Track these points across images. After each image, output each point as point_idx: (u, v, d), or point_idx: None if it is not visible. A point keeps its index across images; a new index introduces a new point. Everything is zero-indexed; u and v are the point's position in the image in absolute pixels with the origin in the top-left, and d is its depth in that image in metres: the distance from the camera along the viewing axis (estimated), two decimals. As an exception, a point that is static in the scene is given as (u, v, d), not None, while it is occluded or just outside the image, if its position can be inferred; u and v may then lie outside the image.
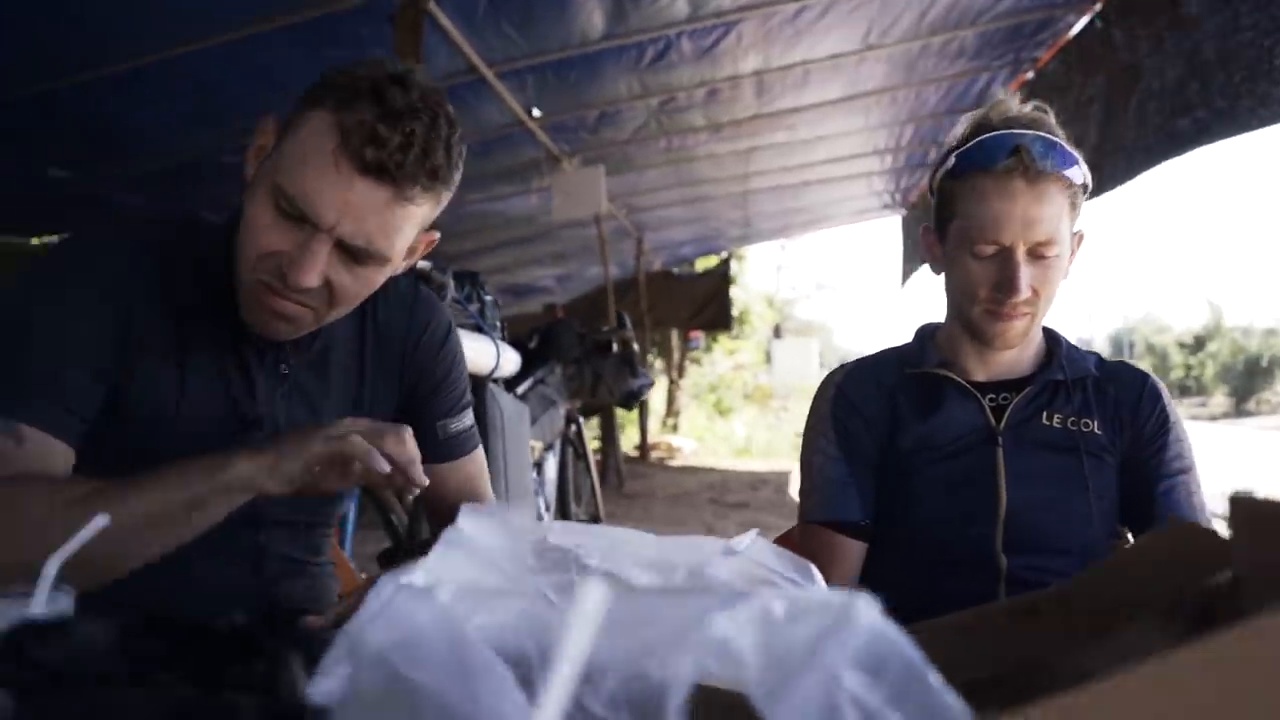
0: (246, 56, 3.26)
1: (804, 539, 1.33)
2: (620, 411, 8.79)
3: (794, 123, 5.94)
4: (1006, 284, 1.19)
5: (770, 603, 0.47)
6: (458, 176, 1.01)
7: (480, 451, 1.31)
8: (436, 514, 1.31)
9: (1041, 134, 1.19)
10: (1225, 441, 14.71)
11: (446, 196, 1.02)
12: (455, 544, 0.71)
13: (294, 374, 1.11)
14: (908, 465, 1.30)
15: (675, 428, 12.54)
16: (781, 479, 9.02)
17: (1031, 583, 1.21)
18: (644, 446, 10.30)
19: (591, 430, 8.41)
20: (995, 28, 4.68)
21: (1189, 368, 31.06)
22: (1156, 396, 1.30)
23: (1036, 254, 1.20)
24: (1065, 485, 1.25)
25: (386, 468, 0.92)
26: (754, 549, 0.80)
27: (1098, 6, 4.40)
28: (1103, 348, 38.90)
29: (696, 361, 15.57)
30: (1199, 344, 31.30)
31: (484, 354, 2.26)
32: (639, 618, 0.54)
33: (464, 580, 0.67)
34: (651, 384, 5.64)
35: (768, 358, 18.82)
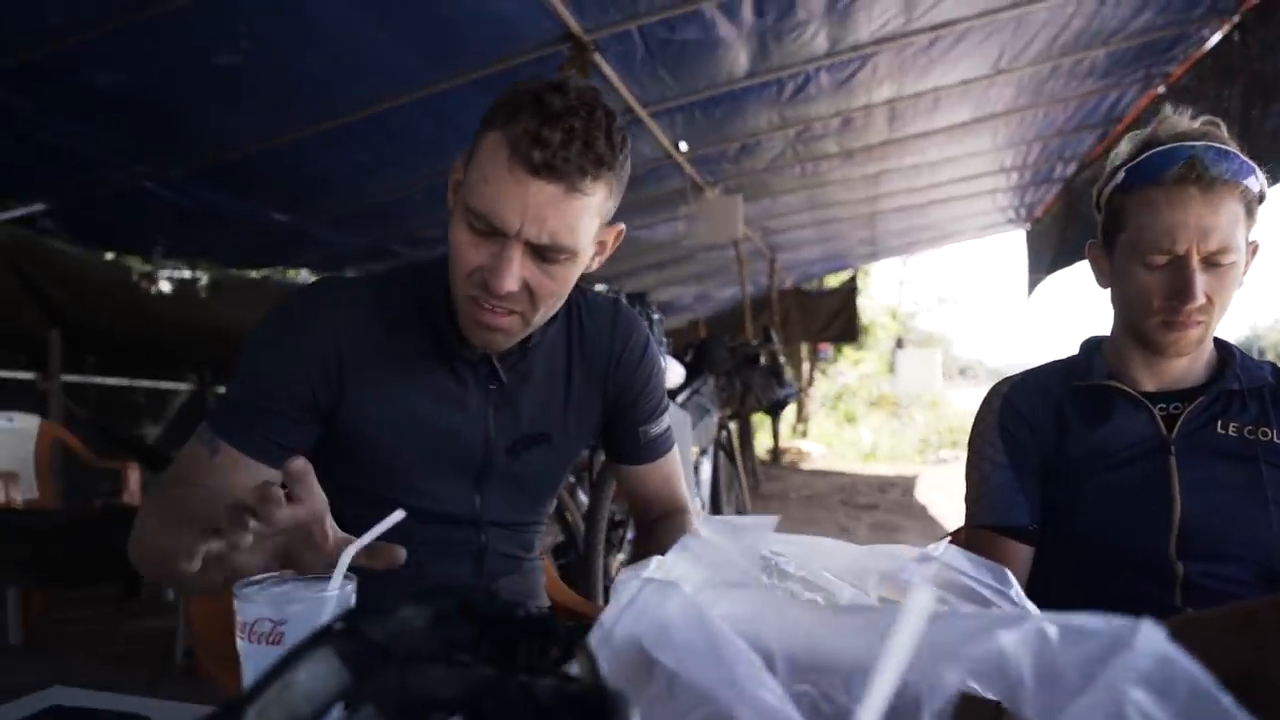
0: (437, 108, 3.43)
1: (970, 543, 1.26)
2: (755, 418, 8.71)
3: (923, 146, 5.77)
4: (1182, 291, 1.11)
5: (1043, 624, 0.45)
6: (625, 162, 1.00)
7: (675, 452, 1.32)
8: (640, 508, 1.33)
9: (1214, 144, 1.11)
10: None
11: (618, 184, 1.01)
12: (688, 547, 0.72)
13: (503, 389, 1.13)
14: (1078, 473, 1.22)
15: (805, 434, 12.33)
16: (907, 483, 8.72)
17: (1210, 590, 1.12)
18: (776, 451, 10.17)
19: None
20: (1127, 46, 4.41)
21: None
22: None
23: (1211, 261, 1.11)
24: (1243, 493, 1.15)
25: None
26: (949, 555, 0.78)
27: (1236, 19, 4.08)
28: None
29: (824, 372, 15.28)
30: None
31: (652, 367, 2.28)
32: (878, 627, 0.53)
33: (700, 575, 0.68)
34: (797, 393, 5.57)
35: (891, 367, 18.27)
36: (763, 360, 4.12)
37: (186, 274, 5.26)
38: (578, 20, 3.14)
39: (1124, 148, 1.21)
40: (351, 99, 3.37)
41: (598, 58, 3.33)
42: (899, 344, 20.13)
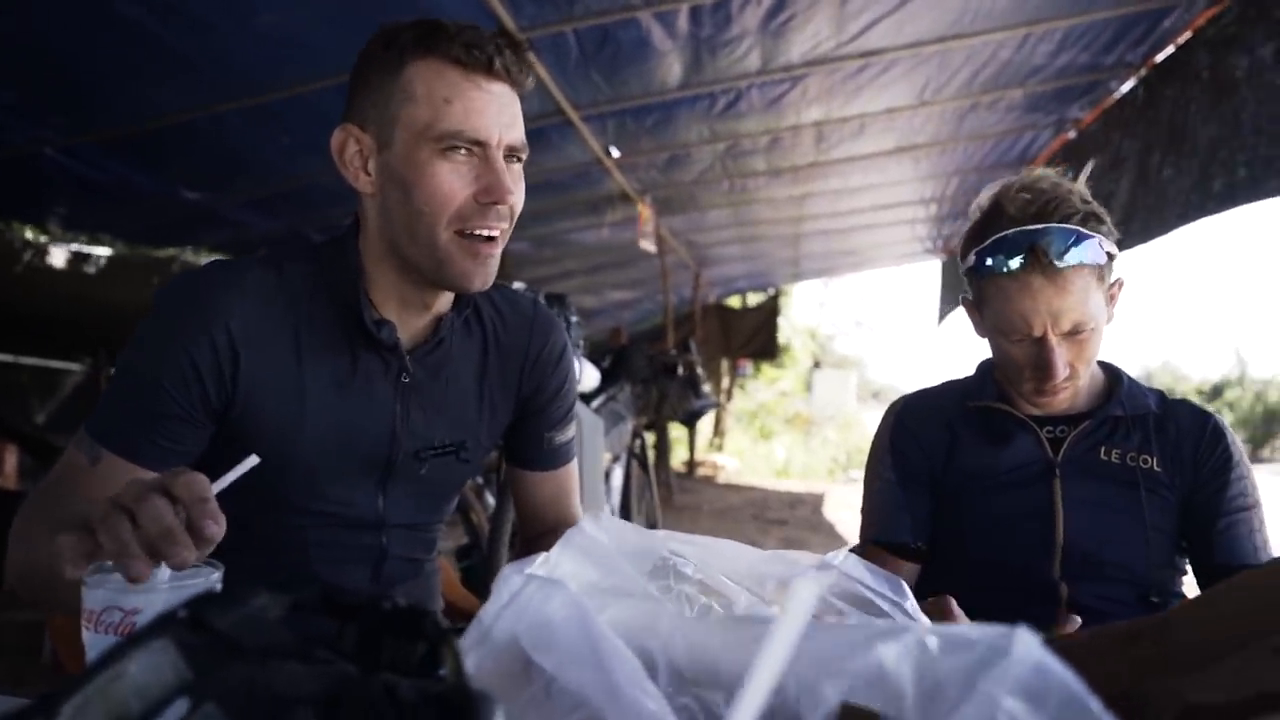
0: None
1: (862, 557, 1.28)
2: (673, 429, 8.74)
3: (848, 171, 5.89)
4: (1044, 369, 1.15)
5: (924, 635, 0.45)
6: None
7: (574, 463, 1.29)
8: (529, 517, 1.29)
9: (1054, 226, 1.11)
10: None
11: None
12: (573, 544, 0.69)
13: (415, 382, 1.07)
14: (966, 493, 1.25)
15: (720, 448, 12.44)
16: (817, 499, 8.87)
17: (1095, 610, 1.15)
18: (692, 463, 10.23)
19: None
20: (1043, 89, 4.59)
21: (1206, 415, 29.87)
22: (1219, 435, 1.23)
23: (1069, 334, 1.15)
24: (1124, 517, 1.19)
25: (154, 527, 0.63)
26: (848, 564, 0.77)
27: (1143, 72, 4.30)
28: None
29: (742, 387, 15.46)
30: (1217, 392, 30.37)
31: (567, 370, 2.25)
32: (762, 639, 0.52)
33: (587, 577, 0.65)
34: (713, 405, 5.60)
35: (807, 387, 18.63)
36: (680, 371, 4.14)
37: (85, 249, 4.99)
38: (513, 18, 3.09)
39: (982, 200, 1.24)
40: (275, 78, 3.24)
41: (531, 56, 3.28)
42: (816, 364, 20.56)
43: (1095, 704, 0.39)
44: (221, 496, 0.70)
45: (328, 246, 1.05)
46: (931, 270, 9.69)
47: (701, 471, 10.33)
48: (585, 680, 0.48)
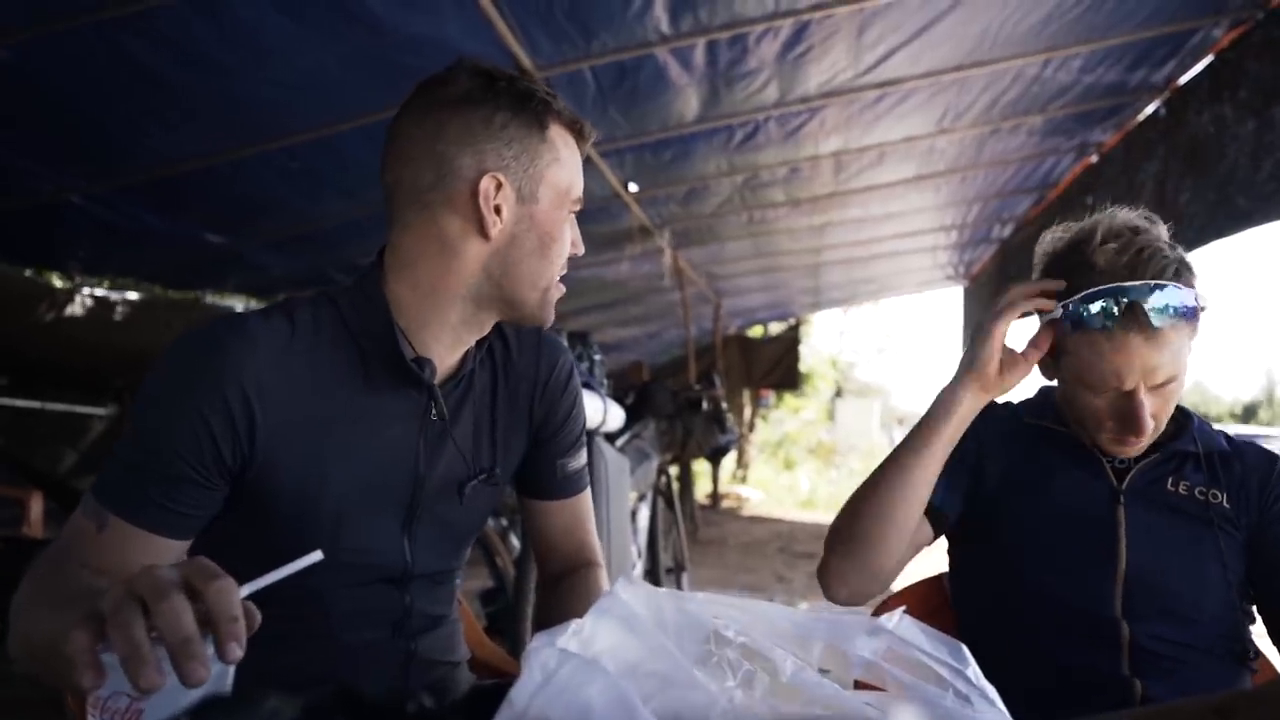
0: (381, 135, 3.34)
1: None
2: (695, 462, 8.66)
3: (867, 200, 5.87)
4: (1129, 422, 1.10)
5: None
6: None
7: (588, 492, 1.26)
8: (546, 550, 1.25)
9: (1152, 283, 1.05)
10: None
11: None
12: (609, 612, 0.65)
13: (442, 421, 1.04)
14: (1016, 513, 1.20)
15: (744, 479, 12.33)
16: (846, 531, 8.72)
17: (1160, 655, 1.09)
18: (716, 496, 10.13)
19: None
20: (1064, 114, 4.56)
21: (1239, 437, 29.57)
22: None
23: (1158, 387, 1.10)
24: (1193, 552, 1.13)
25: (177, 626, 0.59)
26: (902, 627, 0.72)
27: (1167, 94, 4.25)
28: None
29: (764, 418, 15.36)
30: (1249, 413, 29.88)
31: (593, 409, 2.21)
32: None
33: (626, 654, 0.61)
34: (737, 439, 5.54)
35: (830, 416, 18.50)
36: (705, 405, 4.09)
37: (109, 293, 5.03)
38: (531, 57, 3.10)
39: (1057, 240, 1.18)
40: (295, 121, 3.27)
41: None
42: (838, 393, 20.43)
43: None
44: (239, 566, 0.66)
45: (348, 290, 1.03)
46: (954, 296, 9.60)
47: (726, 504, 10.23)
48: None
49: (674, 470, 7.47)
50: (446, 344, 1.03)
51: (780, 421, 16.49)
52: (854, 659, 0.71)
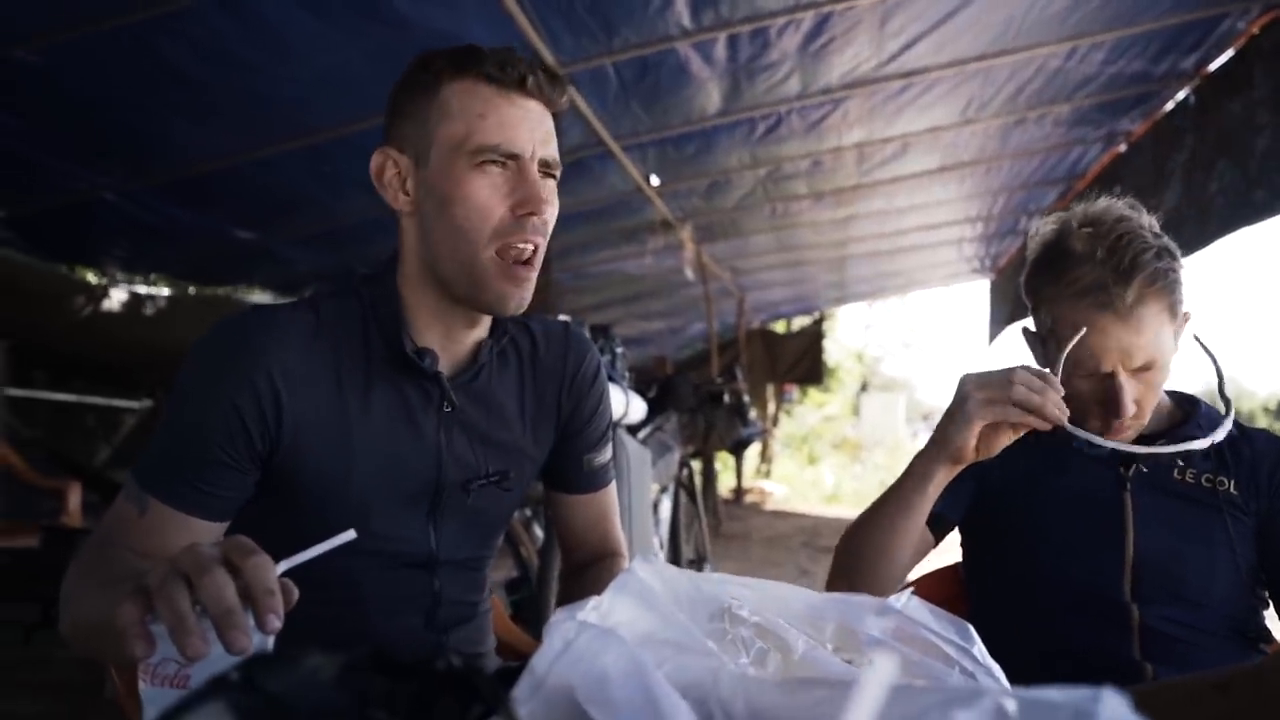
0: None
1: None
2: (719, 456, 8.68)
3: (892, 192, 5.85)
4: (1111, 406, 1.12)
5: (1002, 699, 0.43)
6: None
7: (614, 487, 1.27)
8: (572, 543, 1.27)
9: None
10: None
11: None
12: (627, 588, 0.68)
13: (457, 411, 1.06)
14: (1026, 503, 1.21)
15: (768, 474, 12.32)
16: (870, 525, 8.69)
17: (1169, 637, 1.10)
18: (739, 490, 10.14)
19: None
20: (1091, 103, 4.52)
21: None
22: None
23: (1138, 371, 1.12)
24: (1201, 537, 1.14)
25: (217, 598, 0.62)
26: (911, 607, 0.74)
27: (1196, 81, 4.20)
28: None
29: (789, 413, 15.33)
30: (1284, 407, 29.45)
31: (615, 401, 2.23)
32: (826, 696, 0.50)
33: (641, 626, 0.64)
34: (760, 432, 5.55)
35: (855, 411, 18.40)
36: (727, 398, 4.11)
37: (142, 289, 5.14)
38: (553, 53, 3.13)
39: (1044, 232, 1.21)
40: (323, 119, 3.32)
41: (571, 89, 3.32)
42: (863, 387, 20.33)
43: None
44: (271, 549, 0.69)
45: (367, 281, 1.06)
46: (980, 289, 9.53)
47: (749, 499, 10.22)
48: (645, 739, 0.46)
49: (697, 464, 7.49)
50: (439, 334, 1.04)
51: (804, 416, 16.44)
52: (864, 638, 0.73)
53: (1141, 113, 4.72)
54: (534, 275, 1.01)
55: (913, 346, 26.56)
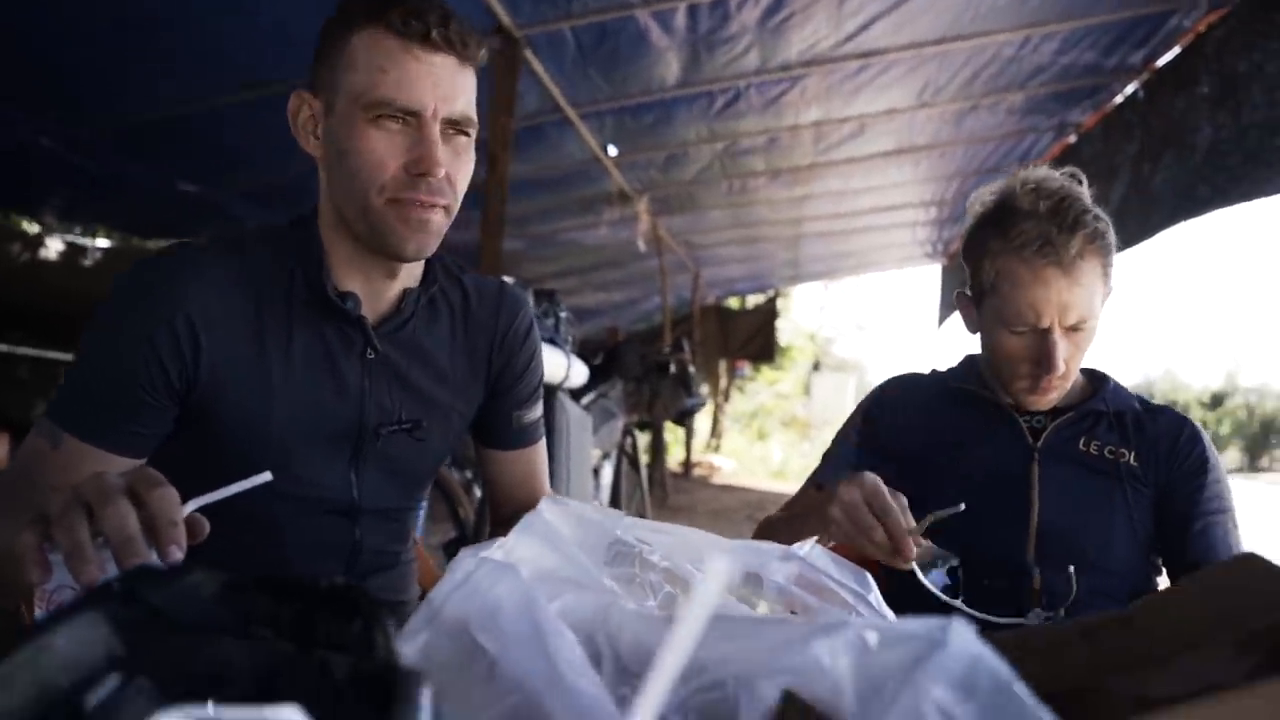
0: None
1: (799, 493, 1.37)
2: (668, 430, 8.73)
3: (848, 172, 5.89)
4: (1044, 361, 1.17)
5: (863, 630, 0.46)
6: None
7: (543, 443, 1.29)
8: (500, 498, 1.29)
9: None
10: (1239, 495, 14.86)
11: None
12: (532, 529, 0.69)
13: (381, 358, 1.06)
14: (940, 473, 1.27)
15: (718, 449, 12.44)
16: (815, 502, 8.83)
17: (1067, 596, 1.15)
18: (688, 464, 10.23)
19: (641, 445, 8.37)
20: (1044, 92, 4.59)
21: (1206, 424, 30.40)
22: (1196, 438, 1.24)
23: (1072, 329, 1.17)
24: (1101, 506, 1.20)
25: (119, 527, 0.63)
26: (813, 555, 0.76)
27: (1145, 75, 4.29)
28: (1125, 401, 37.81)
29: (741, 389, 15.46)
30: (1217, 401, 30.50)
31: (556, 365, 2.24)
32: (729, 632, 0.51)
33: (542, 564, 0.65)
34: (703, 403, 5.59)
35: (806, 390, 18.60)
36: (673, 368, 4.14)
37: (81, 240, 4.99)
38: (510, 15, 3.09)
39: (986, 197, 1.25)
40: (273, 71, 3.24)
41: (528, 53, 3.29)
42: (815, 367, 20.56)
43: (1027, 694, 0.39)
44: (190, 491, 0.69)
45: (292, 225, 1.05)
46: (933, 274, 9.68)
47: (697, 472, 10.32)
48: (526, 664, 0.48)
49: (646, 437, 7.53)
50: (360, 280, 1.04)
51: (756, 393, 16.60)
52: (768, 584, 0.76)
53: (1092, 104, 4.81)
54: (435, 219, 0.98)
55: (865, 329, 26.92)
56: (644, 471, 3.85)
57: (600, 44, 3.42)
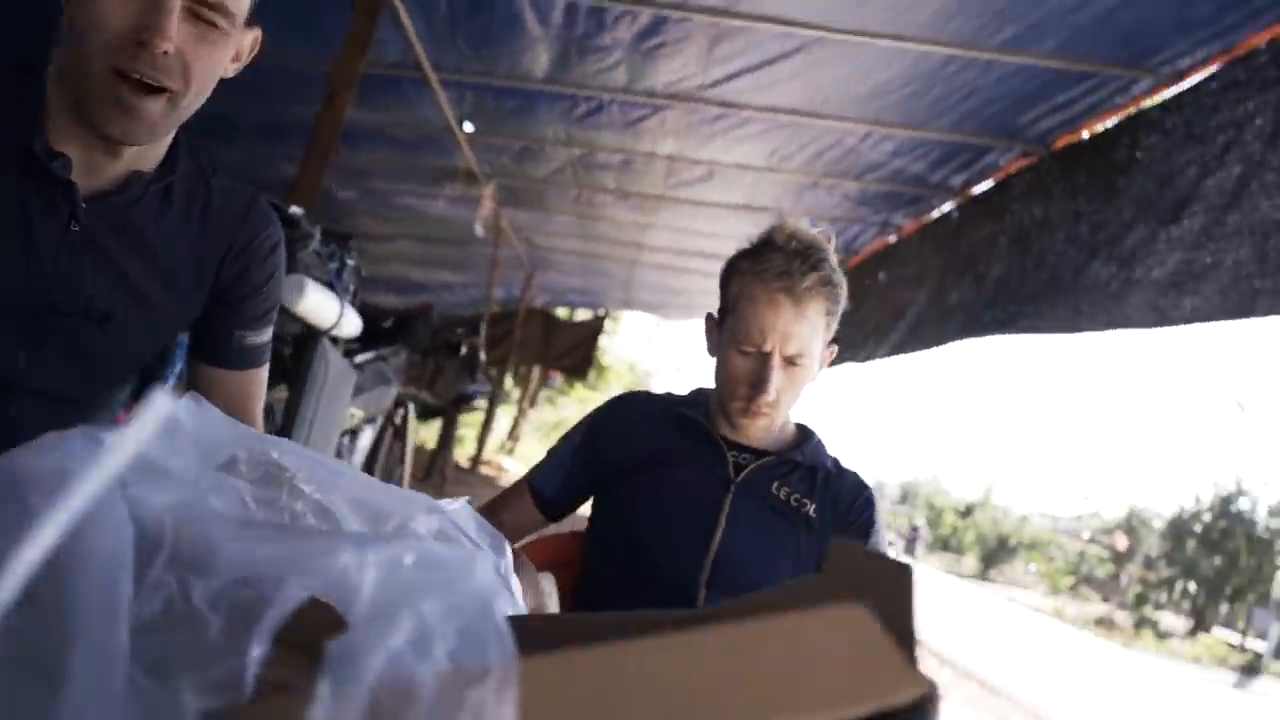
0: None
1: (511, 487, 1.43)
2: (464, 424, 8.58)
3: (694, 213, 6.07)
4: (760, 385, 1.27)
5: (405, 552, 0.48)
6: None
7: (263, 372, 1.23)
8: None
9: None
10: (971, 599, 16.72)
11: None
12: (156, 415, 0.65)
13: (88, 232, 0.97)
14: (646, 485, 1.34)
15: (512, 451, 12.36)
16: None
17: None
18: (478, 459, 10.10)
19: (431, 430, 8.18)
20: (875, 189, 4.93)
21: (955, 530, 33.57)
22: (869, 503, 1.37)
23: (790, 361, 1.28)
24: (777, 546, 1.30)
25: None
26: (459, 513, 0.77)
27: (959, 200, 4.71)
28: (893, 495, 41.18)
29: (550, 401, 15.48)
30: (968, 511, 33.74)
31: (328, 308, 2.15)
32: (270, 535, 0.52)
33: (151, 452, 0.60)
34: (485, 392, 5.53)
35: (615, 415, 18.85)
36: (463, 351, 4.08)
37: None
38: (386, -47, 2.98)
39: (755, 235, 1.38)
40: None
41: (397, 1, 3.18)
42: (629, 396, 20.98)
43: (503, 620, 0.40)
44: None
45: (20, 69, 0.95)
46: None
47: (485, 470, 10.21)
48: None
49: (438, 424, 7.36)
50: (78, 147, 0.96)
51: (564, 406, 16.68)
52: (408, 533, 0.75)
53: (914, 211, 5.21)
54: (150, 107, 0.91)
55: (684, 371, 27.75)
56: (409, 447, 3.75)
57: (475, 14, 3.36)
